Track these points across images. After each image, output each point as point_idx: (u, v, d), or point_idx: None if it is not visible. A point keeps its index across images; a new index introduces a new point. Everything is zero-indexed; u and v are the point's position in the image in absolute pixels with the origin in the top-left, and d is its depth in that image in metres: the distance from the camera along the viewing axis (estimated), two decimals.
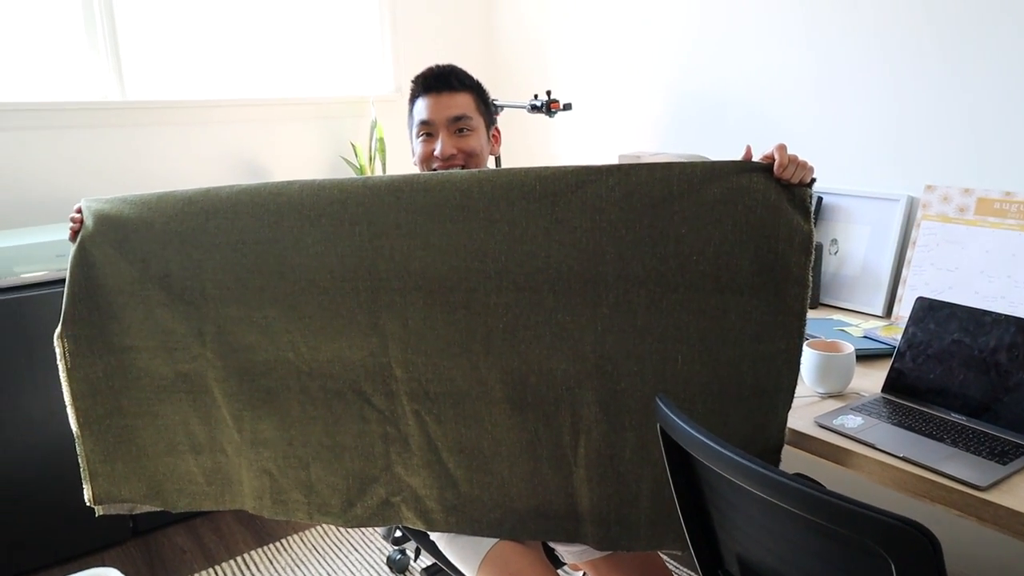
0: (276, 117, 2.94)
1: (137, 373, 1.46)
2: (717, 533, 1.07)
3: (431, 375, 1.34)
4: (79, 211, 1.46)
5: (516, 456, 1.36)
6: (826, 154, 2.16)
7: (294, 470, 1.46)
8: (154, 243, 1.40)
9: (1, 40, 2.45)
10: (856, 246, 2.05)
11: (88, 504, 1.54)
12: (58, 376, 2.19)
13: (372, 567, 2.29)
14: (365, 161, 2.97)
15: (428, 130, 1.54)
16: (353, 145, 3.00)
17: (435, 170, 1.43)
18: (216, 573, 2.29)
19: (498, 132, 1.62)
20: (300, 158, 3.02)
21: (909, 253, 1.91)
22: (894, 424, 1.30)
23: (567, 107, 2.43)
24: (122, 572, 1.71)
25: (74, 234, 1.46)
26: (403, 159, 3.16)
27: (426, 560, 2.27)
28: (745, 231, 1.18)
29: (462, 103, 1.55)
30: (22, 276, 2.20)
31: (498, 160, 2.75)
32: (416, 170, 1.54)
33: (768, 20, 2.26)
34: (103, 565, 2.30)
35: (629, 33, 2.71)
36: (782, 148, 1.19)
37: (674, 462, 1.06)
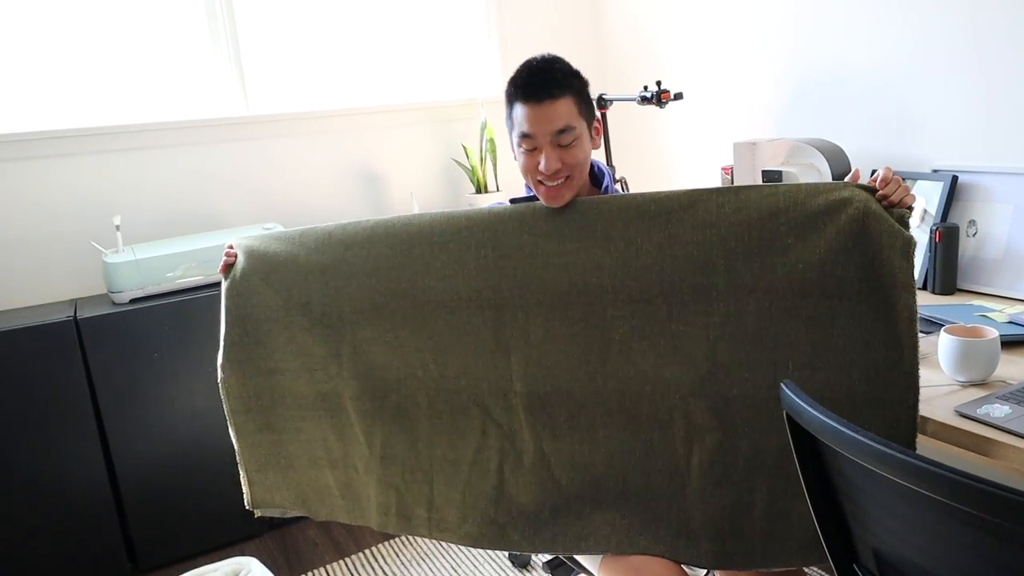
0: (389, 123, 3.03)
1: (282, 393, 1.58)
2: (851, 527, 1.02)
3: (549, 388, 1.40)
4: (231, 247, 1.60)
5: (629, 470, 1.38)
6: (959, 130, 2.03)
7: (419, 484, 1.53)
8: (297, 274, 1.52)
9: (136, 63, 2.65)
10: (998, 226, 1.91)
11: (248, 507, 1.69)
12: (200, 376, 2.35)
13: (494, 561, 2.32)
14: (476, 162, 3.01)
15: (531, 143, 1.43)
16: (464, 147, 3.06)
17: (539, 183, 1.43)
18: (346, 565, 2.39)
19: (599, 124, 1.54)
20: (414, 161, 3.10)
21: None
22: None
23: (678, 96, 2.38)
24: (260, 562, 1.81)
25: (226, 268, 1.60)
26: (512, 159, 3.18)
27: (548, 555, 2.28)
28: (849, 238, 1.20)
29: (564, 112, 1.40)
30: (176, 282, 2.40)
31: (608, 151, 2.73)
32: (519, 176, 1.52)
33: None
34: (242, 556, 2.44)
35: (739, 17, 2.64)
36: (888, 169, 1.24)
37: (802, 452, 1.02)
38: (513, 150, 1.51)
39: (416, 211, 2.90)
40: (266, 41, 2.83)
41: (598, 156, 1.67)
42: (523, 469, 1.44)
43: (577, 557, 1.49)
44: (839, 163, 2.21)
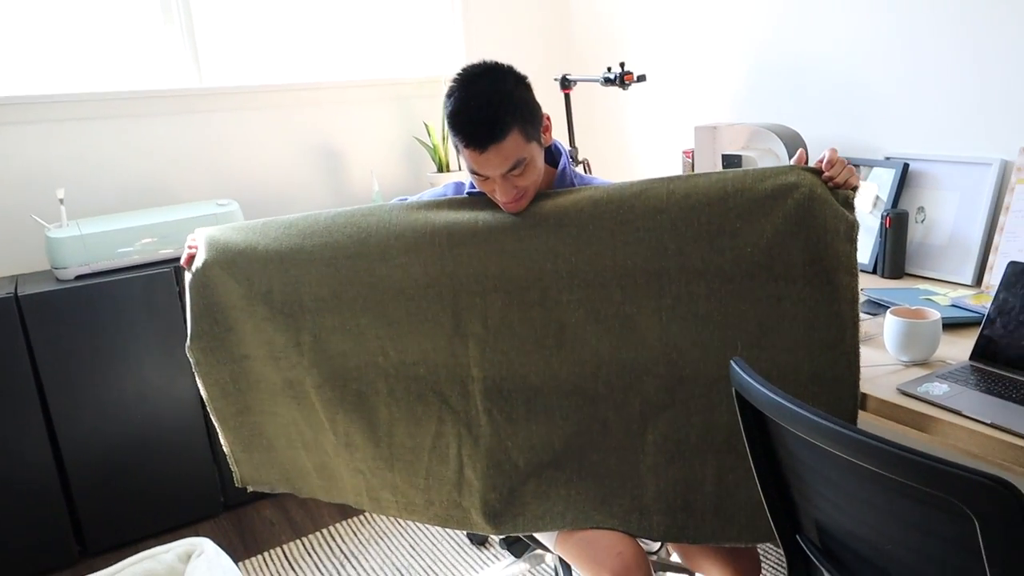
0: (349, 99, 3.00)
1: (256, 378, 1.60)
2: (795, 500, 1.06)
3: (506, 372, 1.42)
4: (194, 239, 1.60)
5: (585, 448, 1.41)
6: (912, 119, 2.08)
7: (381, 471, 1.56)
8: (257, 263, 1.52)
9: (84, 31, 2.57)
10: (944, 213, 1.96)
11: (238, 485, 1.73)
12: (151, 355, 2.32)
13: (453, 538, 2.34)
14: (438, 140, 3.00)
15: (481, 179, 1.38)
16: (426, 125, 3.04)
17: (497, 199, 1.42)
18: (303, 544, 2.39)
19: (548, 121, 1.47)
20: (374, 139, 3.08)
21: (1002, 219, 1.82)
22: (982, 391, 1.25)
23: (641, 79, 2.40)
24: (214, 543, 1.81)
25: (189, 259, 1.59)
26: None
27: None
28: (795, 222, 1.23)
29: (511, 150, 1.32)
30: (128, 259, 2.34)
31: (571, 132, 2.74)
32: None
33: None
34: (196, 536, 2.42)
35: (703, 1, 2.65)
36: (833, 150, 1.26)
37: (750, 428, 1.05)
38: (466, 169, 1.47)
39: (376, 189, 2.89)
40: (221, 9, 2.76)
41: (560, 137, 1.67)
42: (480, 454, 1.46)
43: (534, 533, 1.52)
44: (796, 147, 2.24)
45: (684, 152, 2.59)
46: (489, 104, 1.31)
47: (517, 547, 2.04)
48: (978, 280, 1.87)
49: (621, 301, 1.34)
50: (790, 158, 2.21)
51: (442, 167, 3.02)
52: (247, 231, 1.56)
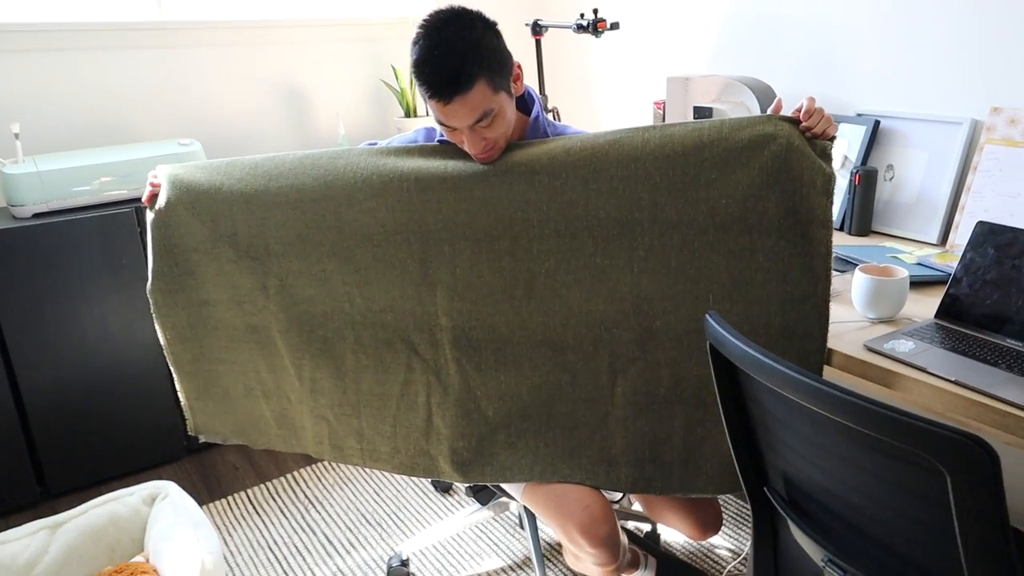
0: (316, 39, 2.90)
1: (215, 324, 1.56)
2: (763, 452, 1.07)
3: (475, 322, 1.40)
4: (156, 176, 1.53)
5: (554, 400, 1.41)
6: (882, 76, 2.07)
7: (347, 417, 1.54)
8: (222, 204, 1.48)
9: None
10: (913, 172, 1.98)
11: (191, 433, 1.70)
12: (112, 296, 2.26)
13: (418, 485, 2.36)
14: (406, 84, 2.93)
15: (450, 129, 1.35)
16: (394, 68, 2.96)
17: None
18: (267, 489, 2.38)
19: (519, 70, 1.42)
20: (341, 80, 2.99)
21: (969, 179, 1.84)
22: (947, 349, 1.27)
23: (614, 26, 2.36)
24: (178, 486, 1.80)
25: (151, 198, 1.54)
26: None
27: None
28: (771, 174, 1.22)
29: (478, 100, 1.28)
30: (86, 197, 2.26)
31: (541, 80, 2.69)
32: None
33: None
34: (160, 480, 2.41)
35: None
36: (811, 99, 1.23)
37: (721, 380, 1.05)
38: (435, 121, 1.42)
39: (342, 132, 2.82)
40: None
41: (530, 84, 1.64)
42: (449, 402, 1.45)
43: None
44: (769, 102, 2.23)
45: (655, 103, 2.56)
46: (454, 52, 1.26)
47: (483, 495, 2.06)
48: (943, 239, 1.90)
49: (592, 252, 1.32)
50: (763, 111, 2.20)
51: (409, 112, 2.96)
52: (211, 171, 1.50)
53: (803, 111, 1.23)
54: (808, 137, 1.22)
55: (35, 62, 2.41)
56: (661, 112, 2.55)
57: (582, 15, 2.41)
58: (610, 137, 1.31)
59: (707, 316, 1.01)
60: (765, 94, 2.24)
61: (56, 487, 2.33)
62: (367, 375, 1.50)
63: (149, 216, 1.54)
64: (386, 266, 1.42)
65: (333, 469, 2.47)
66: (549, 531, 2.11)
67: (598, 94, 3.10)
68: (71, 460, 2.34)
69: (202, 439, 1.71)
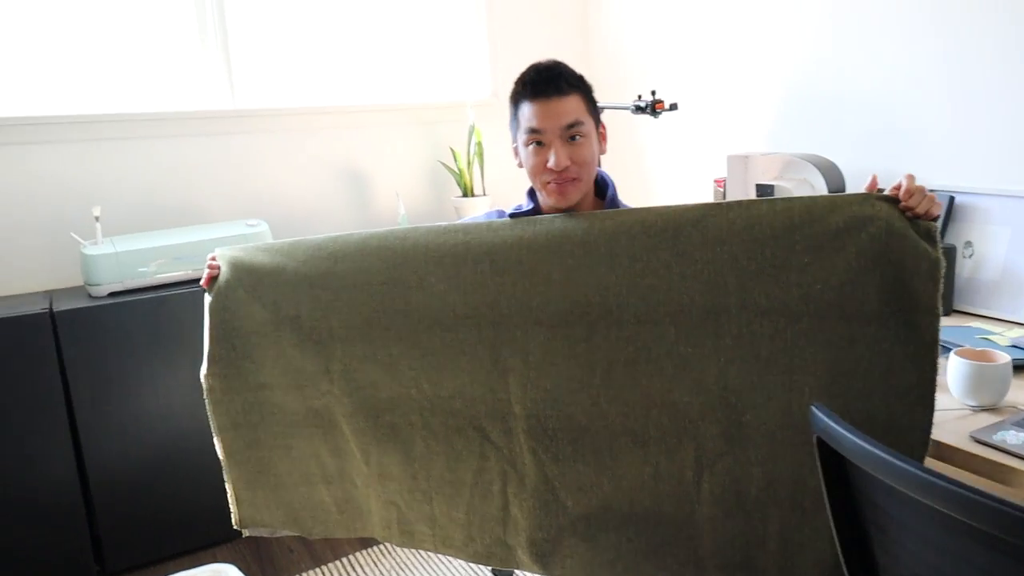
0: (377, 123, 2.97)
1: (272, 409, 1.52)
2: (877, 557, 1.00)
3: (550, 411, 1.34)
4: (214, 259, 1.54)
5: (636, 492, 1.33)
6: (956, 152, 2.03)
7: (419, 503, 1.48)
8: (285, 287, 1.46)
9: (123, 52, 2.57)
10: (995, 248, 1.91)
11: (235, 527, 1.62)
12: (177, 375, 2.27)
13: (476, 573, 2.27)
14: (464, 165, 2.97)
15: (539, 138, 1.41)
16: (452, 150, 3.01)
17: (548, 183, 1.41)
18: (322, 573, 2.32)
19: (604, 129, 1.53)
20: (401, 163, 3.05)
21: None
22: None
23: (673, 107, 2.36)
24: (237, 568, 1.75)
25: (209, 280, 1.53)
26: (500, 163, 3.15)
27: None
28: (870, 259, 1.16)
29: (573, 108, 1.40)
30: (153, 277, 2.32)
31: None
32: (525, 176, 1.48)
33: (890, 12, 2.14)
34: (214, 561, 2.36)
35: (732, 27, 2.63)
36: (911, 177, 1.17)
37: (830, 479, 0.99)
38: (518, 154, 1.48)
39: (402, 212, 2.86)
40: (255, 33, 2.75)
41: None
42: (526, 493, 1.39)
43: None
44: (834, 179, 2.20)
45: (716, 181, 2.55)
46: (557, 67, 1.43)
47: None
48: None
49: (675, 340, 1.25)
50: (828, 187, 2.17)
51: (467, 192, 2.99)
52: (274, 252, 1.49)
53: (903, 190, 1.17)
54: (909, 217, 1.16)
55: (116, 149, 2.53)
56: (722, 190, 2.53)
57: (639, 96, 2.43)
58: (692, 215, 1.25)
59: (813, 408, 0.96)
60: (829, 170, 2.21)
61: (113, 565, 2.31)
62: (438, 461, 1.44)
63: (207, 300, 1.52)
64: (455, 352, 1.37)
65: (390, 553, 2.40)
66: None
67: (657, 173, 3.10)
68: (130, 538, 2.32)
69: (246, 533, 1.63)
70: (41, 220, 2.44)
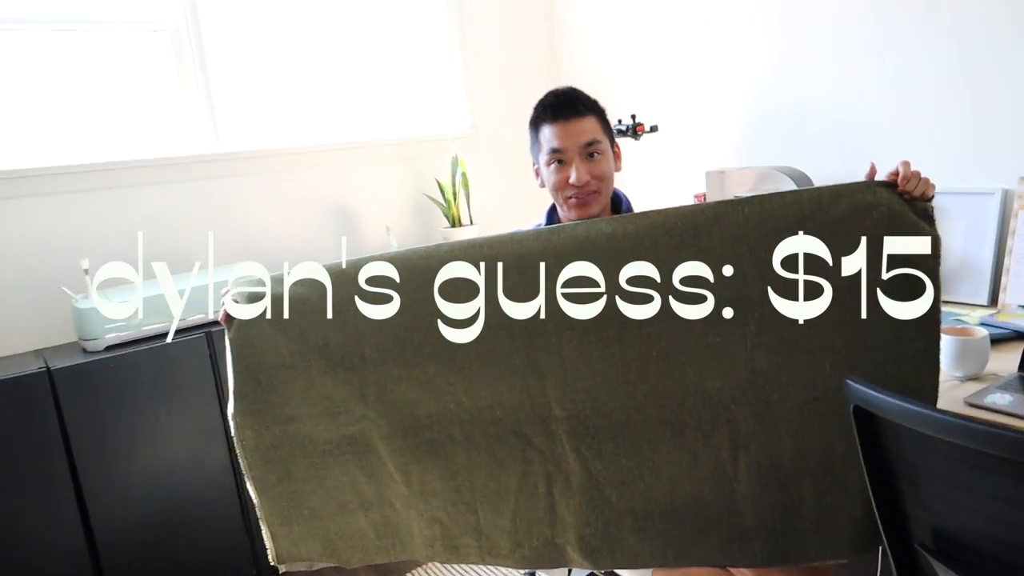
0: (362, 159, 3.07)
1: (302, 441, 1.52)
2: (908, 510, 1.14)
3: (589, 410, 1.41)
4: (229, 293, 1.53)
5: (676, 480, 1.41)
6: (909, 154, 2.17)
7: (463, 515, 1.51)
8: (311, 316, 1.47)
9: (105, 101, 2.59)
10: (953, 241, 2.12)
11: (273, 563, 1.60)
12: (183, 426, 2.24)
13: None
14: (450, 197, 3.09)
15: (560, 157, 1.56)
16: (438, 182, 3.13)
17: (569, 198, 1.55)
18: None
19: (619, 148, 1.70)
20: (387, 198, 3.15)
21: (1009, 242, 1.99)
22: None
23: (653, 129, 2.54)
24: None
25: (227, 317, 1.51)
26: (485, 194, 3.29)
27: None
28: (876, 242, 1.27)
29: (590, 128, 1.58)
30: (142, 329, 2.26)
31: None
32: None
33: (842, 31, 2.37)
34: None
35: (701, 48, 2.83)
36: (906, 163, 1.29)
37: (865, 443, 1.14)
38: (540, 174, 1.63)
39: (395, 246, 2.95)
40: (235, 77, 2.82)
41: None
42: (572, 491, 1.45)
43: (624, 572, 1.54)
44: (805, 186, 2.40)
45: (696, 196, 2.73)
46: (572, 91, 1.63)
47: None
48: (993, 300, 2.03)
49: (704, 331, 1.35)
50: None
51: (454, 222, 3.11)
52: (295, 283, 1.50)
53: (900, 176, 1.28)
54: (907, 200, 1.28)
55: (99, 199, 2.51)
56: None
57: (620, 120, 2.59)
58: (709, 214, 1.34)
59: (848, 382, 1.11)
60: (801, 180, 2.40)
61: None
62: (481, 472, 1.48)
63: (228, 335, 1.51)
64: (490, 362, 1.42)
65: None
66: None
67: (637, 191, 3.24)
68: None
69: (283, 569, 1.60)
70: (27, 276, 2.40)
